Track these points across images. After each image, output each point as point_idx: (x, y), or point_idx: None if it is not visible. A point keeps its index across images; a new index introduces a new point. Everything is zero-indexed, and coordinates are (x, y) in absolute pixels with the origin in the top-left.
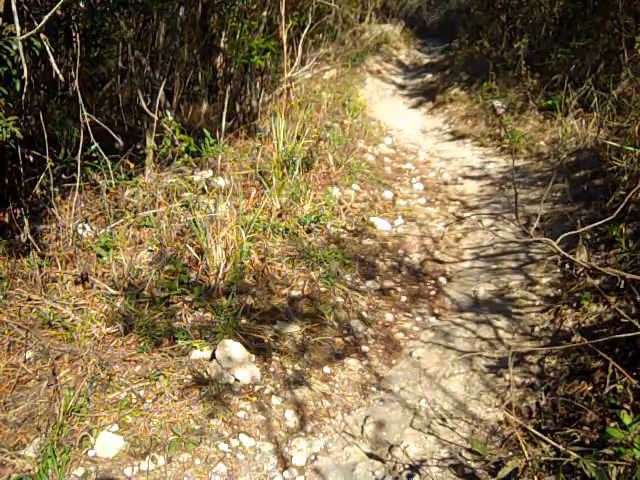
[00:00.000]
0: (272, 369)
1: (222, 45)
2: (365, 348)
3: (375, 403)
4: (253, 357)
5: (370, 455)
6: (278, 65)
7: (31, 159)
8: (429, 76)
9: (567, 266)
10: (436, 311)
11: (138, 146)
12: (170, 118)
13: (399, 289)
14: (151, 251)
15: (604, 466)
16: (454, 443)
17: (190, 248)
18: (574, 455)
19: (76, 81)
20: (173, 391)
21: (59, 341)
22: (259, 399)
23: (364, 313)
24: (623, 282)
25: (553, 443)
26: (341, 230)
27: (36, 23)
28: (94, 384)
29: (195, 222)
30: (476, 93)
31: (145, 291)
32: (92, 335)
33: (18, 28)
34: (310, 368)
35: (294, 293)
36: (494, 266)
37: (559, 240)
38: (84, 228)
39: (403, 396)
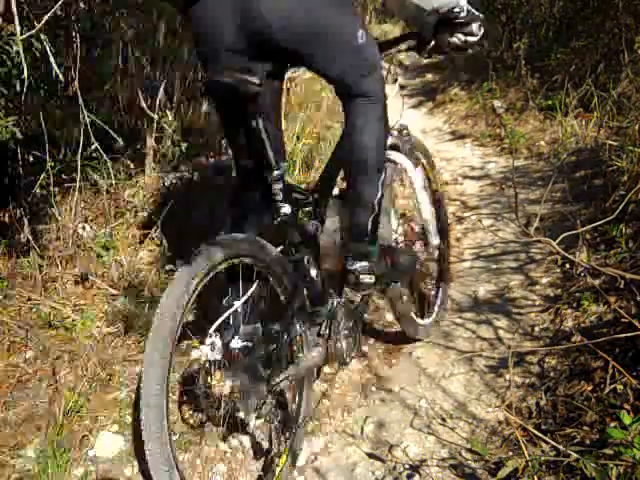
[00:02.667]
0: None
1: None
2: (365, 348)
3: (375, 403)
4: None
5: (370, 455)
6: None
7: (31, 159)
8: (429, 76)
9: (567, 266)
10: None
11: (138, 146)
12: (170, 118)
13: None
14: (151, 251)
15: (604, 466)
16: (454, 443)
17: None
18: (574, 455)
19: (76, 81)
20: (173, 391)
21: (59, 341)
22: None
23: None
24: (623, 282)
25: (553, 443)
26: None
27: (36, 23)
28: (94, 384)
29: None
30: (476, 93)
31: (145, 291)
32: (92, 335)
33: (18, 28)
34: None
35: None
36: (494, 266)
37: (559, 240)
38: (84, 228)
39: (403, 396)
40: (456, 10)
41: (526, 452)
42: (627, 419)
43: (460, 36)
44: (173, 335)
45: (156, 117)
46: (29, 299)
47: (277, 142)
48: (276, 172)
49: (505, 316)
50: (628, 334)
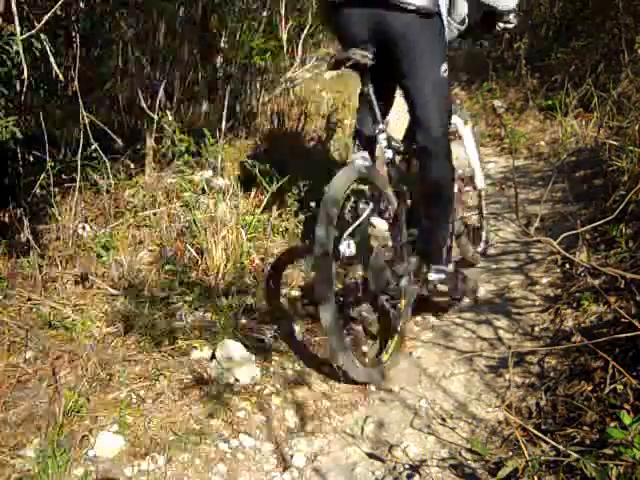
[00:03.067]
0: (272, 369)
1: (222, 45)
2: (365, 348)
3: (375, 403)
4: (253, 357)
5: (370, 455)
6: (278, 65)
7: (31, 159)
8: None
9: (567, 266)
10: (436, 311)
11: (138, 146)
12: (170, 118)
13: None
14: (151, 251)
15: (604, 466)
16: (454, 443)
17: (190, 248)
18: (574, 455)
19: (76, 81)
20: (173, 391)
21: (59, 341)
22: (259, 399)
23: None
24: (623, 282)
25: (553, 443)
26: None
27: (36, 23)
28: (94, 384)
29: (195, 222)
30: (476, 93)
31: (145, 291)
32: (92, 335)
33: (18, 28)
34: (310, 368)
35: (294, 293)
36: (494, 266)
37: (559, 240)
38: (84, 228)
39: (403, 396)
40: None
41: (526, 452)
42: (627, 419)
43: (500, 24)
44: (341, 196)
45: (156, 117)
46: (29, 299)
47: (384, 105)
48: (380, 126)
49: (505, 316)
50: (628, 334)
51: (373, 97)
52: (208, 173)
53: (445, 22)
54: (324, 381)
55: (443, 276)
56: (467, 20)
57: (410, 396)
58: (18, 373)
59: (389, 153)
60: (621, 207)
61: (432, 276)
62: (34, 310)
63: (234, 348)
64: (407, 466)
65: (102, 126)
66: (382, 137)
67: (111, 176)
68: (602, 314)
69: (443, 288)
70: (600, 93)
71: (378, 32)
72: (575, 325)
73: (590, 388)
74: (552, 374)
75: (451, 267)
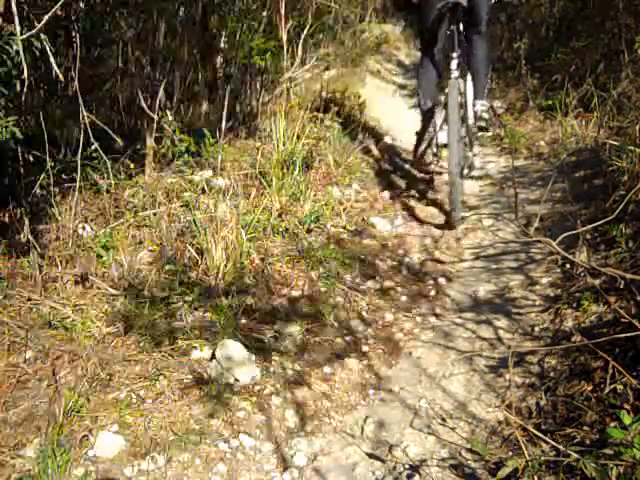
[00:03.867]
0: (272, 369)
1: (222, 45)
2: (365, 348)
3: (375, 403)
4: (253, 357)
5: (370, 455)
6: (278, 65)
7: (31, 159)
8: None
9: (567, 266)
10: (436, 311)
11: (138, 146)
12: (170, 118)
13: (399, 289)
14: (151, 251)
15: (604, 466)
16: (454, 443)
17: (190, 248)
18: (574, 455)
19: (76, 81)
20: (173, 391)
21: (59, 341)
22: (259, 399)
23: (364, 313)
24: (623, 282)
25: (553, 443)
26: (341, 230)
27: (36, 23)
28: (94, 384)
29: (195, 222)
30: None
31: (145, 291)
32: (92, 335)
33: (18, 28)
34: (310, 368)
35: (294, 293)
36: (494, 266)
37: (559, 240)
38: (84, 228)
39: (403, 396)
40: None
41: (526, 452)
42: (627, 419)
43: None
44: (460, 93)
45: (156, 117)
46: (29, 299)
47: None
48: (455, 54)
49: (505, 316)
50: (628, 334)
51: (456, 34)
52: (208, 173)
53: None
54: (324, 381)
55: (485, 107)
56: None
57: (410, 396)
58: (18, 373)
59: (456, 73)
60: (621, 207)
61: (477, 107)
62: (34, 310)
63: (234, 348)
64: (407, 466)
65: (102, 126)
66: (455, 62)
67: (111, 176)
68: (602, 314)
69: (485, 115)
70: (600, 93)
71: None
72: (575, 325)
73: (590, 388)
74: (552, 374)
75: (488, 102)
